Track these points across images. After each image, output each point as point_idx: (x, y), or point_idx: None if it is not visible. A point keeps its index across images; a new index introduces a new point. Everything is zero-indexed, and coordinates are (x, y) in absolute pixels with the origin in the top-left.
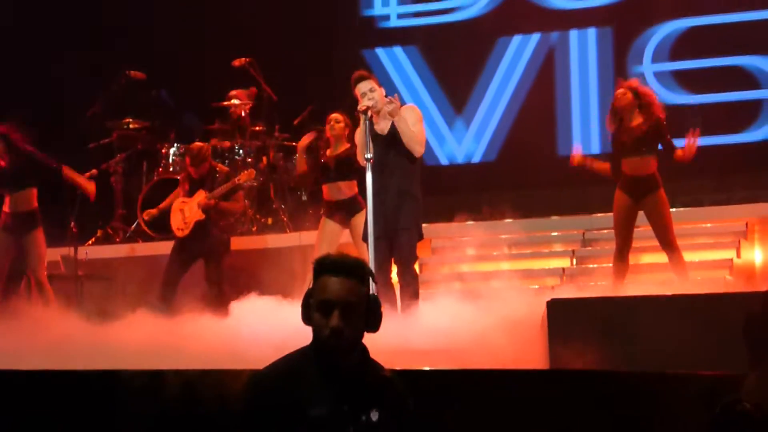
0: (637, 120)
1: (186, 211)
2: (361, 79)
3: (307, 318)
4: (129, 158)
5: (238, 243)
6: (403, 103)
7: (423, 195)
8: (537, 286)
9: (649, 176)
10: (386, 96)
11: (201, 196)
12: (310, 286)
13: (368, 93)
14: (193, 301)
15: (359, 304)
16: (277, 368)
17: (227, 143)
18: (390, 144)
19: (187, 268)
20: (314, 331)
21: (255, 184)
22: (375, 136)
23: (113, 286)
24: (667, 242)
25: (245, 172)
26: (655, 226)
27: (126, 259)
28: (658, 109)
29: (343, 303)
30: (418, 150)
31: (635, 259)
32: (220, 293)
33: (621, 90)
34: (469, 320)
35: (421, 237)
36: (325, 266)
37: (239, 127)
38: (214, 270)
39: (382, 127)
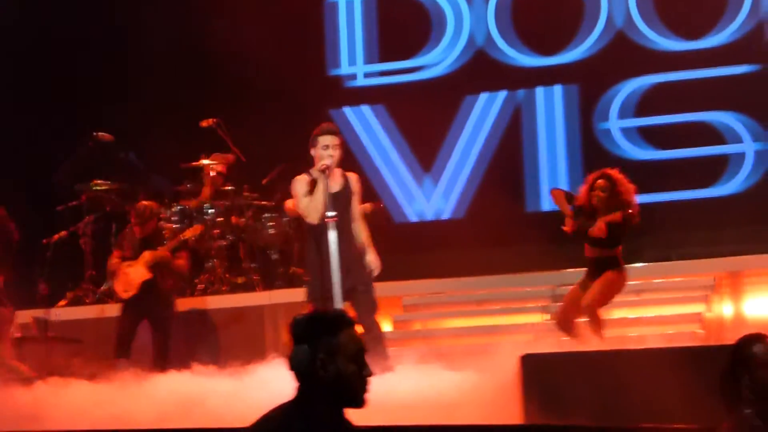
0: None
1: (131, 273)
2: (330, 132)
3: (316, 373)
4: (98, 220)
5: (209, 302)
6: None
7: (393, 252)
8: (509, 342)
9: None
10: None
11: (147, 256)
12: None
13: (331, 148)
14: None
15: None
16: (267, 428)
17: (195, 203)
18: (341, 202)
19: (136, 327)
20: (345, 383)
21: (194, 239)
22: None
23: (83, 347)
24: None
25: (191, 228)
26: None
27: (96, 321)
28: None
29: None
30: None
31: (606, 314)
32: (166, 357)
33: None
34: (441, 377)
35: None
36: (346, 320)
37: (209, 187)
38: (160, 333)
39: (333, 185)
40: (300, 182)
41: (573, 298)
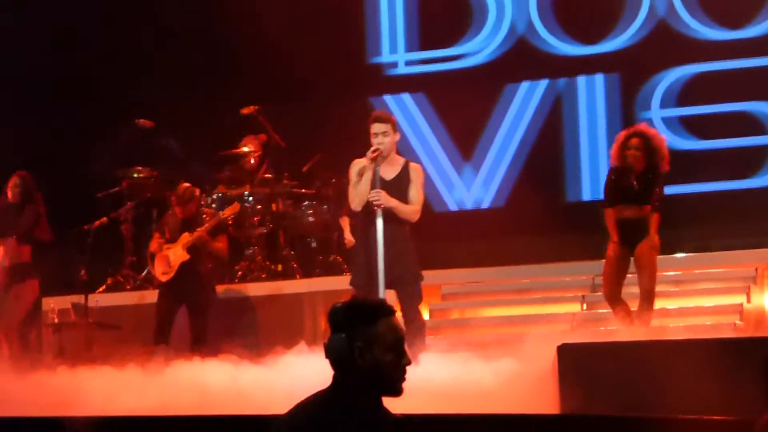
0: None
1: (171, 255)
2: (378, 119)
3: (353, 362)
4: (138, 206)
5: (248, 289)
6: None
7: (433, 241)
8: (547, 332)
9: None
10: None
11: (186, 238)
12: (340, 331)
13: (380, 136)
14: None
15: None
16: (304, 415)
17: (236, 191)
18: (394, 190)
19: (175, 312)
20: (382, 372)
21: (229, 221)
22: (381, 184)
23: (123, 333)
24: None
25: (229, 207)
26: None
27: (136, 307)
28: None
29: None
30: (414, 219)
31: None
32: (203, 343)
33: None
34: (478, 365)
35: (421, 278)
36: (385, 309)
37: (249, 175)
38: (198, 318)
39: (388, 172)
40: (354, 166)
41: (615, 271)
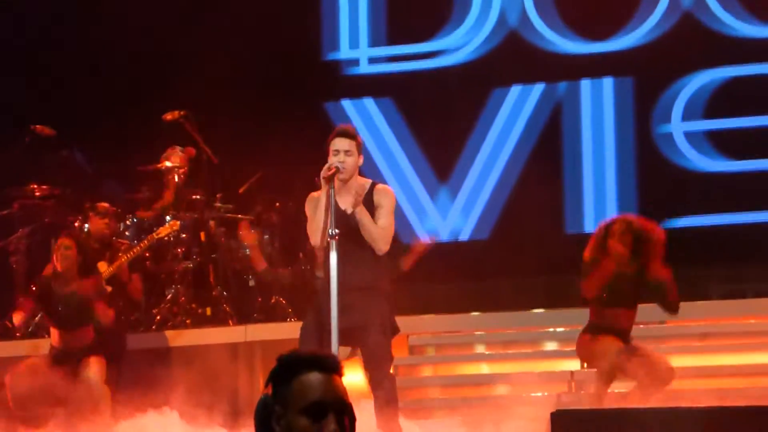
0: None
1: None
2: (343, 134)
3: (271, 429)
4: (33, 233)
5: (169, 338)
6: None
7: (400, 280)
8: (540, 394)
9: None
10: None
11: (103, 267)
12: (268, 390)
13: (342, 154)
14: None
15: (350, 407)
16: None
17: (154, 213)
18: (352, 224)
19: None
20: None
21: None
22: (338, 214)
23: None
24: None
25: (167, 224)
26: None
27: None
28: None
29: (339, 404)
30: (382, 248)
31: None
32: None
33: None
34: None
35: (396, 331)
36: (306, 362)
37: (171, 196)
38: (109, 372)
39: (346, 201)
40: (310, 202)
41: None
